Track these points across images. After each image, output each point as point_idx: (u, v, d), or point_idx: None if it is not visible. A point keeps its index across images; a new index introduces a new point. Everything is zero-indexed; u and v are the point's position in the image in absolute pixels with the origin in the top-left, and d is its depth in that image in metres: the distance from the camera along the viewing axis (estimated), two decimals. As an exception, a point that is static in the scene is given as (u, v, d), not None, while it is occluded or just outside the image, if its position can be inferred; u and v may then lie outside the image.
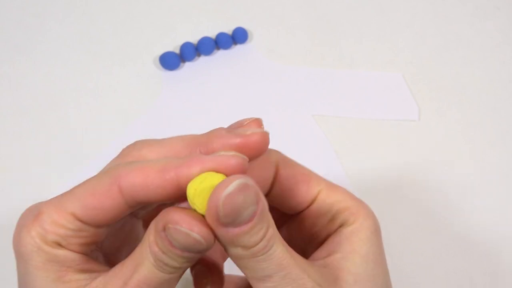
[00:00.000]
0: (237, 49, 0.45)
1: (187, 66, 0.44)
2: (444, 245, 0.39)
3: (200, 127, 0.42)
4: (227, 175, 0.20)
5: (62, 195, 0.22)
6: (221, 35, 0.44)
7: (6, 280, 0.27)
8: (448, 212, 0.40)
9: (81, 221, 0.21)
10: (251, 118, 0.24)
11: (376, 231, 0.24)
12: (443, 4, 0.48)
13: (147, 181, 0.20)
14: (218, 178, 0.20)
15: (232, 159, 0.20)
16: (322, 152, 0.41)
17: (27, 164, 0.39)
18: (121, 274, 0.21)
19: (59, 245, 0.21)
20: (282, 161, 0.25)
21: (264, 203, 0.20)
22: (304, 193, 0.24)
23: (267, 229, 0.20)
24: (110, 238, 0.24)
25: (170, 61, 0.42)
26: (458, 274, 0.38)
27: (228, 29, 0.45)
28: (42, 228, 0.21)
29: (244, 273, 0.22)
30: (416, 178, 0.41)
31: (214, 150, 0.22)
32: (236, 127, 0.24)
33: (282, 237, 0.22)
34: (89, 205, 0.21)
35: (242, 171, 0.20)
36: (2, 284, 0.35)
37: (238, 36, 0.44)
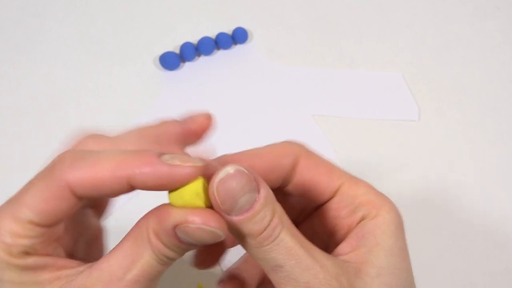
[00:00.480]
0: (237, 49, 0.45)
1: (187, 66, 0.43)
2: (444, 245, 0.39)
3: (200, 127, 0.42)
4: (180, 183, 0.20)
5: (10, 204, 0.21)
6: (221, 35, 0.44)
7: None
8: (448, 212, 0.40)
9: (39, 225, 0.21)
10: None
11: (399, 225, 0.24)
12: (443, 4, 0.48)
13: (97, 178, 0.20)
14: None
15: (186, 169, 0.20)
16: (322, 152, 0.41)
17: (27, 164, 0.39)
18: (113, 269, 0.21)
19: (27, 253, 0.21)
20: (304, 152, 0.25)
21: (267, 191, 0.21)
22: (326, 185, 0.24)
23: (271, 217, 0.21)
24: (66, 232, 0.24)
25: (170, 61, 0.42)
26: (458, 274, 0.38)
27: (228, 29, 0.44)
28: (4, 243, 0.21)
29: (259, 264, 0.22)
30: (416, 178, 0.41)
31: (163, 143, 0.23)
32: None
33: (304, 232, 0.22)
34: (44, 210, 0.21)
35: (194, 178, 0.20)
36: None
37: (238, 36, 0.44)
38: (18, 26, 0.45)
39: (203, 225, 0.20)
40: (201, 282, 0.37)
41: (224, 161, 0.23)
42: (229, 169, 0.20)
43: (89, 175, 0.20)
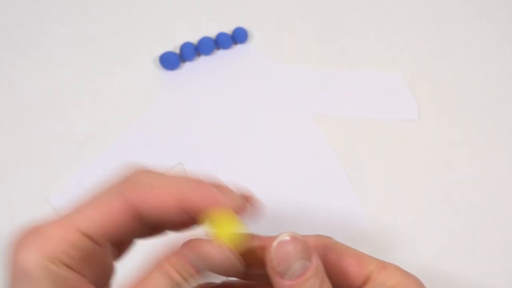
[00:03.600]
0: (237, 49, 0.45)
1: (187, 66, 0.43)
2: (444, 245, 0.39)
3: (200, 127, 0.42)
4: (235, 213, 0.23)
5: (70, 213, 0.21)
6: (221, 35, 0.44)
7: None
8: (448, 212, 0.40)
9: (91, 240, 0.21)
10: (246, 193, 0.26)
11: None
12: (443, 4, 0.48)
13: (159, 200, 0.22)
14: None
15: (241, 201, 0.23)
16: (322, 152, 0.41)
17: (27, 164, 0.39)
18: None
19: (67, 265, 0.20)
20: (331, 245, 0.26)
21: (318, 261, 0.22)
22: (356, 275, 0.25)
23: (320, 287, 0.22)
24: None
25: (170, 61, 0.42)
26: (458, 274, 0.38)
27: (228, 29, 0.44)
28: (50, 247, 0.20)
29: None
30: (416, 178, 0.41)
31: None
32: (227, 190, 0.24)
33: None
34: (103, 224, 0.21)
35: (242, 210, 0.23)
36: None
37: (238, 36, 0.44)
38: (18, 26, 0.45)
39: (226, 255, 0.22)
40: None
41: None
42: (286, 235, 0.23)
43: (155, 197, 0.22)
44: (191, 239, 0.22)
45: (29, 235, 0.21)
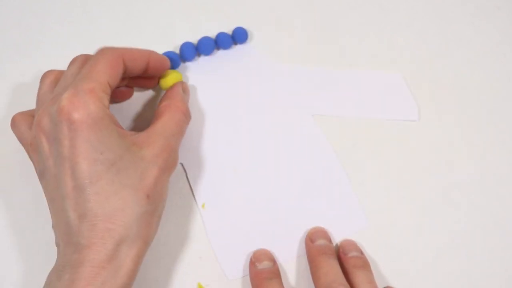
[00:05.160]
0: (237, 49, 0.45)
1: (187, 66, 0.43)
2: (444, 245, 0.39)
3: (200, 127, 0.42)
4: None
5: (90, 74, 0.32)
6: (221, 35, 0.44)
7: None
8: (448, 212, 0.40)
9: (111, 86, 0.32)
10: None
11: None
12: (443, 4, 0.48)
13: (136, 57, 0.35)
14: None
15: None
16: (321, 152, 0.41)
17: (27, 164, 0.39)
18: (158, 129, 0.34)
19: (107, 108, 0.32)
20: None
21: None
22: None
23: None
24: None
25: (170, 61, 0.42)
26: (458, 274, 0.38)
27: (228, 29, 0.44)
28: (100, 98, 0.31)
29: None
30: (416, 178, 0.41)
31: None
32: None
33: None
34: (113, 73, 0.32)
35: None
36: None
37: (238, 36, 0.44)
38: (18, 26, 0.45)
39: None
40: (201, 282, 0.37)
41: None
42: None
43: (137, 54, 0.35)
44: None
45: (80, 93, 0.30)
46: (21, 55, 0.44)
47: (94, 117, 0.30)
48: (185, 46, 0.43)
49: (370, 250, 0.39)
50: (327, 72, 0.44)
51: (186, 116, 0.37)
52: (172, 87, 0.39)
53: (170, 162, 0.34)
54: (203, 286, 0.37)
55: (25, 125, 0.35)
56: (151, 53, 0.37)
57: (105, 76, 0.32)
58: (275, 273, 0.36)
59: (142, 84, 0.40)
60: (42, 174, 0.33)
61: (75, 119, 0.30)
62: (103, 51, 0.33)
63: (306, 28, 0.46)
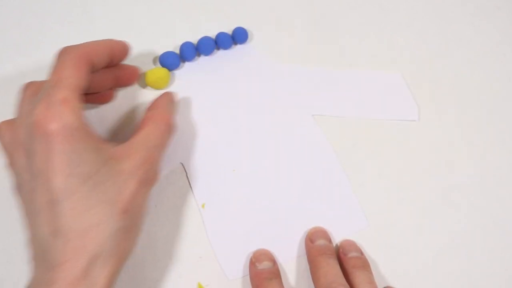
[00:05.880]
0: (237, 49, 0.45)
1: (187, 66, 0.43)
2: (444, 246, 0.39)
3: (200, 127, 0.42)
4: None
5: (59, 82, 0.30)
6: (221, 35, 0.44)
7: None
8: (448, 212, 0.40)
9: (82, 90, 0.31)
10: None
11: None
12: (443, 4, 0.48)
13: (100, 49, 0.34)
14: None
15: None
16: (321, 152, 0.41)
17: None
18: (140, 140, 0.33)
19: (82, 117, 0.30)
20: None
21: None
22: None
23: None
24: None
25: (170, 61, 0.42)
26: (458, 274, 0.38)
27: (228, 29, 0.45)
28: (74, 108, 0.30)
29: None
30: (416, 178, 0.41)
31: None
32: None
33: None
34: (80, 76, 0.31)
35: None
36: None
37: (238, 36, 0.44)
38: (18, 26, 0.45)
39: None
40: (201, 282, 0.37)
41: None
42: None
43: (96, 46, 0.34)
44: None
45: (53, 104, 0.29)
46: (21, 55, 0.44)
47: (69, 128, 0.29)
48: (185, 46, 0.43)
49: (370, 251, 0.39)
50: (327, 72, 0.44)
51: (171, 127, 0.35)
52: (159, 97, 0.38)
53: (150, 174, 0.32)
54: (203, 286, 0.37)
55: (9, 135, 0.33)
56: (111, 41, 0.36)
57: (74, 80, 0.30)
58: (275, 273, 0.36)
59: (98, 99, 0.40)
60: (19, 188, 0.32)
61: (50, 131, 0.28)
62: (66, 52, 0.32)
63: (306, 28, 0.46)
